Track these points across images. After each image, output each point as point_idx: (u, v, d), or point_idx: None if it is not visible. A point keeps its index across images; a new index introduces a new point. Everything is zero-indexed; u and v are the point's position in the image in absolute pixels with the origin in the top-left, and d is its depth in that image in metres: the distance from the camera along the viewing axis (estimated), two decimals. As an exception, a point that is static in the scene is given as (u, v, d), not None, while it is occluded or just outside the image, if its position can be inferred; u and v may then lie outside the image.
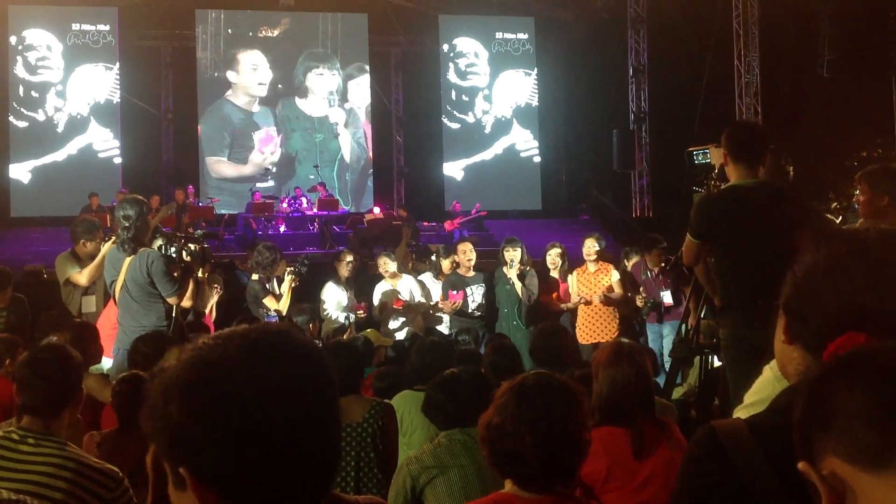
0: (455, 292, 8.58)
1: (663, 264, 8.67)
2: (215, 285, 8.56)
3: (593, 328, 8.68)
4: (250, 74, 21.28)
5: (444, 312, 8.81)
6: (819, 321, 1.43)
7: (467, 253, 8.88)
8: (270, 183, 20.95)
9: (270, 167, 21.17)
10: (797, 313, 1.49)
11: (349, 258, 9.18)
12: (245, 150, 21.19)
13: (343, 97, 21.82)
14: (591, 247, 8.81)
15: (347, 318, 8.65)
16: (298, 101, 21.63)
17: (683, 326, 6.43)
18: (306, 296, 8.96)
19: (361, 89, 22.00)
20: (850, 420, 1.09)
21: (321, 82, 21.69)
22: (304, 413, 1.17)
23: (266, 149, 21.20)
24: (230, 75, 21.16)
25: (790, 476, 1.26)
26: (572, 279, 8.84)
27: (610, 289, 8.69)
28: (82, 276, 6.82)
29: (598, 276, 8.74)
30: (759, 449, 1.43)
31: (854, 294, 1.40)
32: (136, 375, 4.12)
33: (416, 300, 8.96)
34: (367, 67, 21.97)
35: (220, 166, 20.96)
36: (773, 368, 2.36)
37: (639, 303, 8.85)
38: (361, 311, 8.74)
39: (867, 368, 1.12)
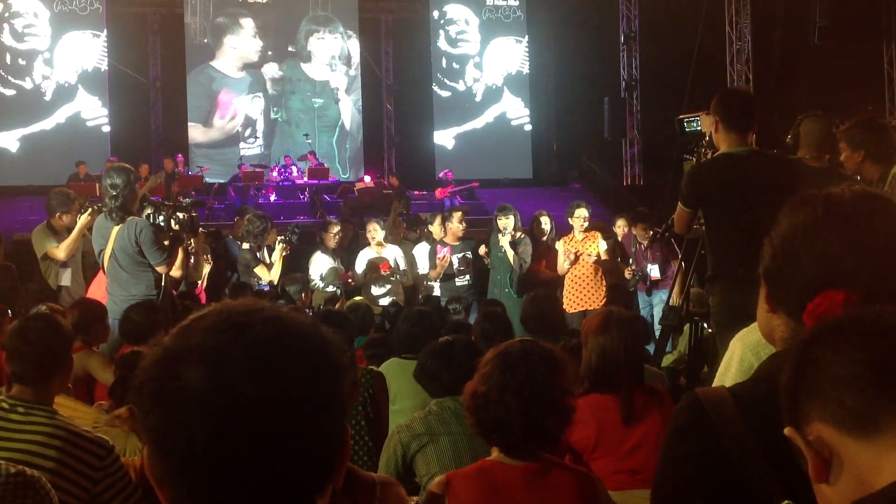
0: (442, 253, 8.67)
1: (654, 232, 8.68)
2: (206, 255, 8.53)
3: (580, 296, 8.68)
4: (238, 41, 21.05)
5: (431, 280, 8.84)
6: (798, 286, 1.42)
7: (453, 221, 8.94)
8: (257, 150, 20.72)
9: (240, 130, 20.97)
10: (777, 280, 1.49)
11: (336, 228, 9.14)
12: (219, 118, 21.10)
13: (347, 62, 21.64)
14: (578, 215, 8.80)
15: (338, 287, 8.62)
16: (303, 66, 21.41)
17: (672, 294, 6.45)
18: (296, 265, 8.95)
19: (354, 54, 21.84)
20: (836, 385, 1.09)
21: (323, 46, 21.43)
22: (277, 412, 1.01)
23: (227, 113, 20.94)
24: (225, 40, 20.90)
25: (774, 445, 1.27)
26: (559, 246, 8.84)
27: (597, 256, 8.69)
28: (60, 252, 6.81)
29: (585, 244, 8.74)
30: (743, 418, 1.42)
31: (831, 255, 1.39)
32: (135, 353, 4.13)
33: (401, 269, 8.97)
34: (351, 34, 21.70)
35: (193, 132, 20.78)
36: (743, 339, 2.37)
37: (627, 275, 8.88)
38: (351, 280, 8.72)
39: (854, 334, 1.12)
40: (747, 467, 1.37)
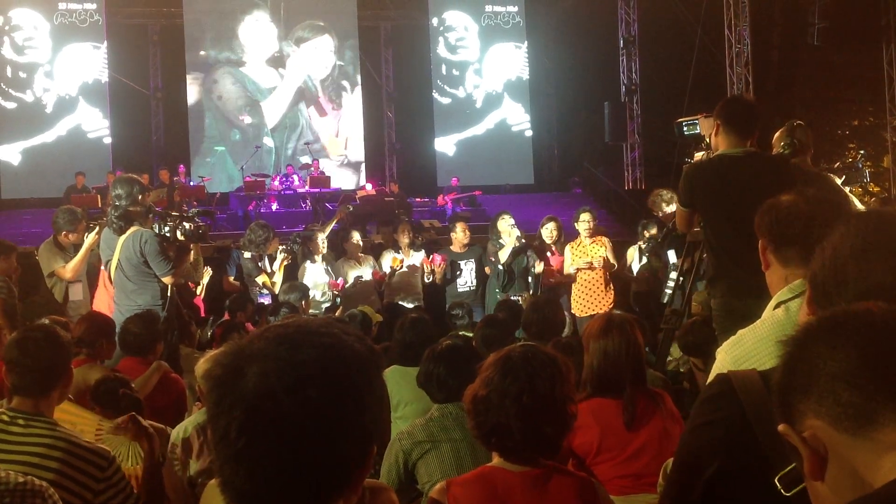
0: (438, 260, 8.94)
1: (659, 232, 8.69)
2: (206, 267, 8.53)
3: (588, 300, 8.68)
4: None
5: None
6: (842, 299, 1.47)
7: (458, 232, 9.22)
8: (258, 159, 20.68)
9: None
10: (823, 289, 1.54)
11: (321, 236, 9.03)
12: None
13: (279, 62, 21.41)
14: (584, 220, 8.82)
15: (336, 296, 8.54)
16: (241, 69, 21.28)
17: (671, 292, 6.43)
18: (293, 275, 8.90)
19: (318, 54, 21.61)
20: (832, 382, 1.09)
21: (256, 38, 21.19)
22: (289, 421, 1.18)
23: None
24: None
25: None
26: (567, 252, 8.86)
27: (605, 261, 8.69)
28: (67, 272, 6.85)
29: (593, 248, 8.75)
30: (767, 391, 1.50)
31: (880, 274, 1.45)
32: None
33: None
34: (323, 35, 21.60)
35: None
36: (728, 352, 2.38)
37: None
38: (338, 290, 8.61)
39: (849, 330, 1.12)
40: (766, 432, 1.45)
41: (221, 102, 21.01)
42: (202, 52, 20.92)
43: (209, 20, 21.00)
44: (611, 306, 8.49)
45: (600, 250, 8.71)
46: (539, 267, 8.74)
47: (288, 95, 21.39)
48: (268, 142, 21.15)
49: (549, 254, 8.96)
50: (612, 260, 8.74)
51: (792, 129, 5.37)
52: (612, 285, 8.78)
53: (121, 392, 3.89)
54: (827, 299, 1.52)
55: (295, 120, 21.41)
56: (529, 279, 8.80)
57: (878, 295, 1.38)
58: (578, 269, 8.66)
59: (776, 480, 1.33)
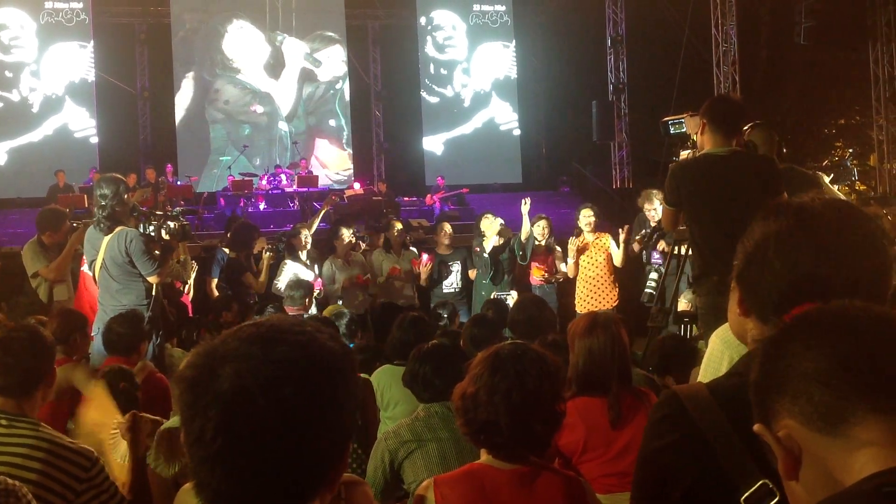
0: (426, 256, 9.01)
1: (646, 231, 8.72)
2: (193, 262, 8.49)
3: (592, 297, 8.66)
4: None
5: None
6: (772, 293, 1.46)
7: (443, 233, 9.39)
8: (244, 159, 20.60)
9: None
10: (750, 286, 1.53)
11: (305, 233, 8.92)
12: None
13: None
14: (586, 216, 8.82)
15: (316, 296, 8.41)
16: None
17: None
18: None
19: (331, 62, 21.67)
20: (805, 381, 1.08)
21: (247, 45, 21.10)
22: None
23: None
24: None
25: (748, 430, 1.28)
26: (570, 248, 8.88)
27: (608, 256, 8.72)
28: (50, 272, 6.82)
29: (596, 244, 8.77)
30: (720, 408, 1.47)
31: (804, 264, 1.43)
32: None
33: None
34: (335, 45, 21.69)
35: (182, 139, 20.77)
36: (720, 335, 2.40)
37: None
38: (319, 290, 8.54)
39: (822, 329, 1.12)
40: (725, 450, 1.42)
41: (229, 106, 20.92)
42: (193, 71, 20.81)
43: (195, 38, 20.89)
44: (615, 303, 8.50)
45: (603, 243, 8.73)
46: (524, 234, 8.86)
47: (293, 78, 21.35)
48: (283, 126, 21.14)
49: (531, 236, 8.99)
50: (617, 255, 8.68)
51: (750, 129, 5.38)
52: (616, 282, 8.77)
53: (121, 386, 3.89)
54: (754, 294, 1.51)
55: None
56: (524, 254, 8.90)
57: (807, 285, 1.40)
58: (578, 255, 8.68)
59: (742, 501, 1.32)
